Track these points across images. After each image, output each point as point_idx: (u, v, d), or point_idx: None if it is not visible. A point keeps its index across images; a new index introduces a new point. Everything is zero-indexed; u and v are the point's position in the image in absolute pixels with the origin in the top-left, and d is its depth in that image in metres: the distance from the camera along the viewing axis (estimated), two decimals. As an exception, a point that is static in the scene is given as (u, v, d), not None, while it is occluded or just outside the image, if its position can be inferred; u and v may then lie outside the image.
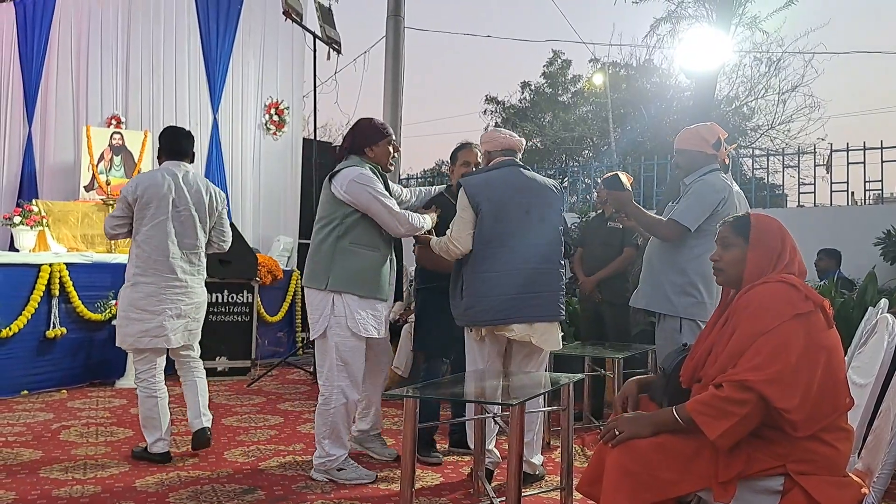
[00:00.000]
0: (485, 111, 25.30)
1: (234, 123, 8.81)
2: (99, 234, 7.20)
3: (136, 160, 8.07)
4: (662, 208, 4.10)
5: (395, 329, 4.37)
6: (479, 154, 3.85)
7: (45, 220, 6.94)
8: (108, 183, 7.77)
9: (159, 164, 3.98)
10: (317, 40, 6.85)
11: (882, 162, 8.91)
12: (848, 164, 9.33)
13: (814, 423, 2.05)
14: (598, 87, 20.92)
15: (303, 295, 7.93)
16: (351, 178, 3.53)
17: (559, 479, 3.03)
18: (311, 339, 3.75)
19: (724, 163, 3.52)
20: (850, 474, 2.15)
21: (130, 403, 5.11)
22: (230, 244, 4.16)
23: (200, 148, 8.71)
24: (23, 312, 5.43)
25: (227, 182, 8.73)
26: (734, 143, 3.67)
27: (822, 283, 5.95)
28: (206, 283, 4.06)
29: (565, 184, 17.11)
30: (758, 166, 14.34)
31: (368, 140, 3.69)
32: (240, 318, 6.74)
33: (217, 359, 6.52)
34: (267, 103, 8.88)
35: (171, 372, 4.02)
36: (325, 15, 7.10)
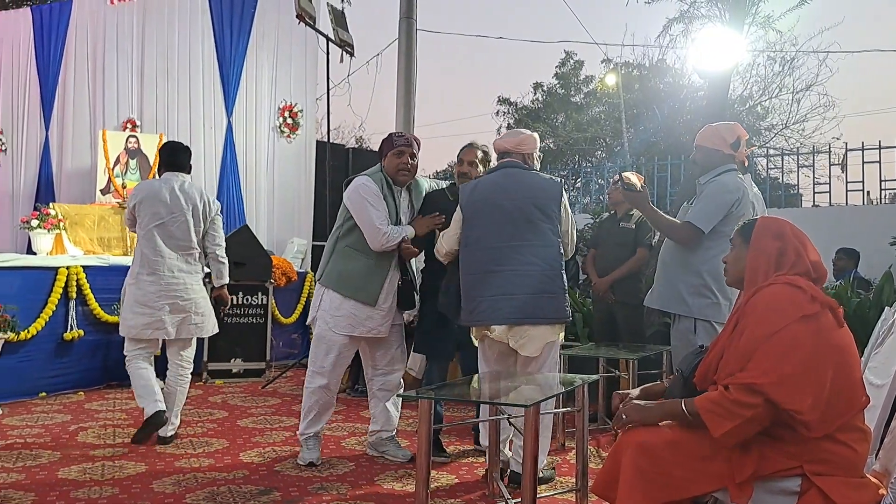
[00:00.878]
0: (497, 112, 25.33)
1: (248, 126, 8.85)
2: (115, 237, 7.28)
3: (151, 163, 8.13)
4: (677, 208, 4.08)
5: (409, 332, 4.43)
6: (479, 154, 3.95)
7: (62, 224, 7.01)
8: (123, 186, 7.85)
9: (159, 175, 4.42)
10: (330, 43, 6.88)
11: (898, 161, 8.85)
12: (863, 163, 9.27)
13: (828, 423, 2.04)
14: (610, 88, 20.86)
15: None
16: (355, 186, 3.82)
17: (574, 480, 3.03)
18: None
19: (742, 163, 3.51)
20: (868, 475, 2.15)
21: (147, 405, 5.15)
22: (224, 247, 4.50)
23: (215, 151, 8.77)
24: (41, 315, 5.48)
25: (241, 184, 8.78)
26: (751, 146, 3.66)
27: (838, 283, 5.91)
28: None
29: (578, 184, 17.10)
30: (772, 166, 14.28)
31: (381, 152, 3.95)
32: (254, 320, 6.78)
33: (232, 360, 6.56)
34: (280, 106, 8.92)
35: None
36: (338, 18, 7.14)
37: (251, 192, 8.81)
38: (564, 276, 3.46)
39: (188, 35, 8.77)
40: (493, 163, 3.84)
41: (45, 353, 5.59)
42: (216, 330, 4.56)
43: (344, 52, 7.12)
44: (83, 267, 5.89)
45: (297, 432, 3.96)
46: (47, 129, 9.04)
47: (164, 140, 8.28)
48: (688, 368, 2.43)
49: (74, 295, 5.75)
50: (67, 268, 5.74)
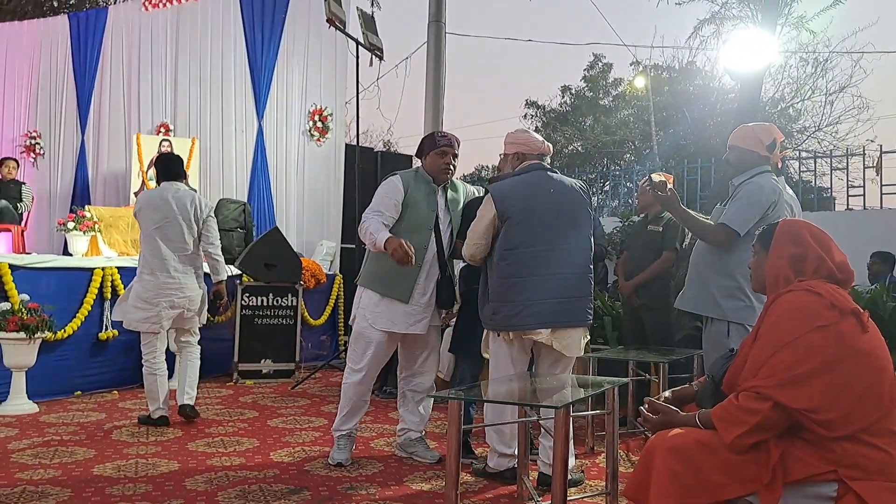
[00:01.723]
0: (525, 115, 25.27)
1: (279, 130, 8.95)
2: (148, 239, 7.38)
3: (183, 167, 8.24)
4: (709, 210, 4.04)
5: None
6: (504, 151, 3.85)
7: (97, 226, 7.13)
8: (157, 189, 7.95)
9: (158, 185, 4.88)
10: (359, 47, 6.93)
11: (935, 163, 8.67)
12: (899, 165, 9.09)
13: (851, 424, 2.02)
14: (639, 90, 20.71)
15: (346, 299, 8.06)
16: (384, 181, 3.90)
17: (604, 483, 3.02)
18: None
19: (776, 165, 3.46)
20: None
21: (179, 404, 5.23)
22: (219, 246, 4.91)
23: (246, 154, 8.88)
24: (76, 315, 5.59)
25: (271, 187, 8.88)
26: (785, 149, 3.61)
27: (873, 287, 5.81)
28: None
29: (606, 188, 17.01)
30: (805, 169, 14.06)
31: (422, 151, 3.97)
32: (284, 322, 6.84)
33: (262, 361, 6.63)
34: (311, 110, 9.00)
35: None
36: (368, 22, 7.19)
37: (281, 194, 8.91)
38: (592, 278, 3.52)
39: (220, 41, 8.92)
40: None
41: (80, 352, 5.71)
42: (204, 321, 4.99)
43: (373, 56, 7.16)
44: (117, 268, 5.99)
45: (332, 428, 4.00)
46: (83, 134, 9.24)
47: (196, 144, 8.45)
48: (718, 373, 2.41)
49: (109, 296, 5.85)
50: (102, 269, 5.85)
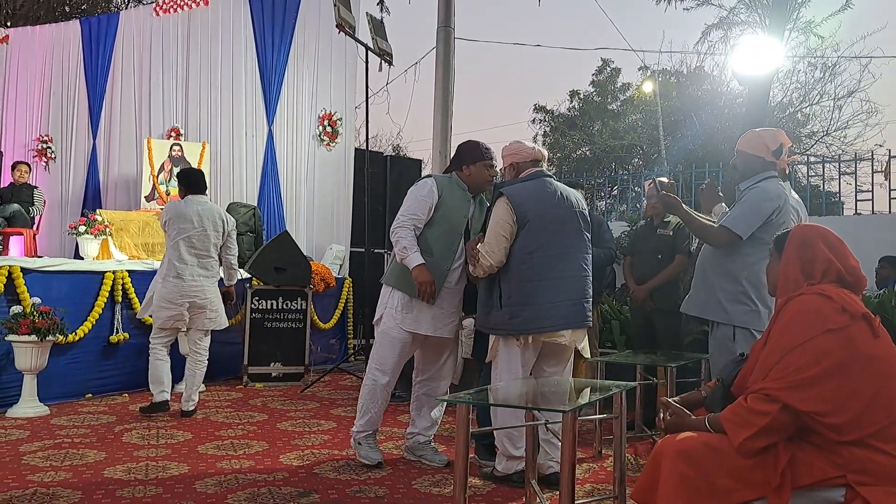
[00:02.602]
0: (533, 120, 25.29)
1: (289, 135, 8.99)
2: (158, 242, 7.44)
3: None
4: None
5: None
6: (500, 165, 3.93)
7: (108, 230, 7.19)
8: (167, 193, 8.02)
9: (181, 198, 5.28)
10: (369, 52, 6.97)
11: (944, 168, 8.63)
12: (907, 170, 9.04)
13: (861, 428, 2.03)
14: (647, 95, 20.69)
15: (355, 302, 8.09)
16: (418, 182, 3.93)
17: (612, 487, 3.02)
18: (372, 323, 4.18)
19: (783, 171, 3.47)
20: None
21: (189, 407, 5.27)
22: (237, 257, 5.41)
23: (256, 159, 8.93)
24: (88, 318, 5.64)
25: (281, 191, 8.92)
26: (793, 154, 3.63)
27: (881, 292, 5.79)
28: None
29: (614, 192, 16.99)
30: (813, 173, 14.00)
31: (465, 160, 3.92)
32: (294, 325, 6.86)
33: (271, 364, 6.65)
34: (320, 114, 9.03)
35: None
36: (377, 27, 7.23)
37: (291, 198, 8.95)
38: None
39: (231, 46, 8.97)
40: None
41: (91, 355, 5.75)
42: (227, 324, 5.38)
43: (383, 61, 7.20)
44: (128, 271, 6.04)
45: (352, 430, 4.00)
46: (95, 138, 9.31)
47: (206, 149, 8.51)
48: (728, 377, 2.42)
49: (120, 299, 5.90)
50: (113, 272, 5.90)
